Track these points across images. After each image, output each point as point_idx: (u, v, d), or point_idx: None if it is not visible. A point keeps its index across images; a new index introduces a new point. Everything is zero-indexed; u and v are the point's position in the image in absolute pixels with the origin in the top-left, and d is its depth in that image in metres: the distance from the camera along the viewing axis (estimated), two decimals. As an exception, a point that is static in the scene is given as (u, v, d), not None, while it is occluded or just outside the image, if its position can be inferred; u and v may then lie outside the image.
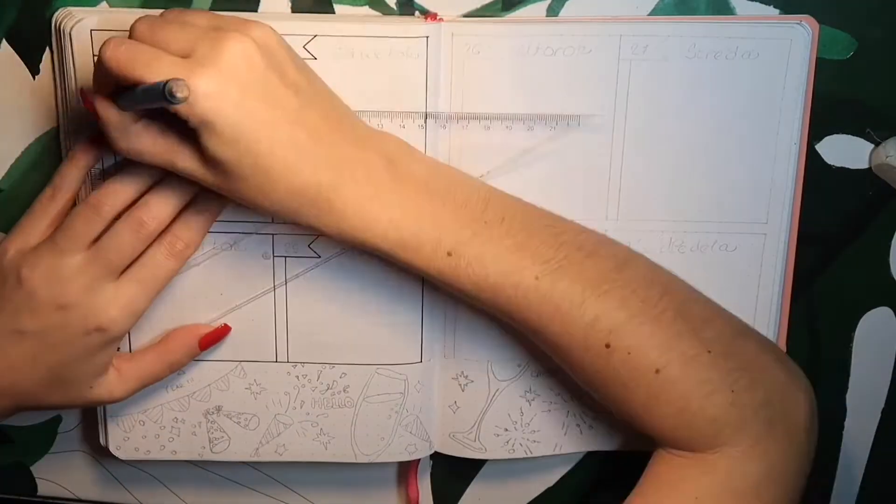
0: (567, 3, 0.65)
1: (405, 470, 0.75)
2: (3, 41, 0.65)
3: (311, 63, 0.62)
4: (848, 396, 0.73)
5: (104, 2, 0.64)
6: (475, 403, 0.71)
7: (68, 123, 0.65)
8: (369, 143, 0.60)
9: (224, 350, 0.69)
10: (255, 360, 0.69)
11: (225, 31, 0.55)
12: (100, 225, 0.62)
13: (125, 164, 0.62)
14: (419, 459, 0.73)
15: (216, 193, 0.60)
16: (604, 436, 0.72)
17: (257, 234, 0.67)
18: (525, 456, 0.72)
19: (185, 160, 0.57)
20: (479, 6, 0.65)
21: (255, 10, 0.65)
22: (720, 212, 0.67)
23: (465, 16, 0.65)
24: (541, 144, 0.65)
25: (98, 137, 0.62)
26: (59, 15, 0.63)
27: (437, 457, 0.72)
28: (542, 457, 0.72)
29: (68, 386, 0.64)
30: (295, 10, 0.65)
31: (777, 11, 0.65)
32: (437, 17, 0.64)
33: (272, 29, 0.57)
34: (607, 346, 0.60)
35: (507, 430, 0.71)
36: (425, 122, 0.65)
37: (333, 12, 0.65)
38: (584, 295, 0.60)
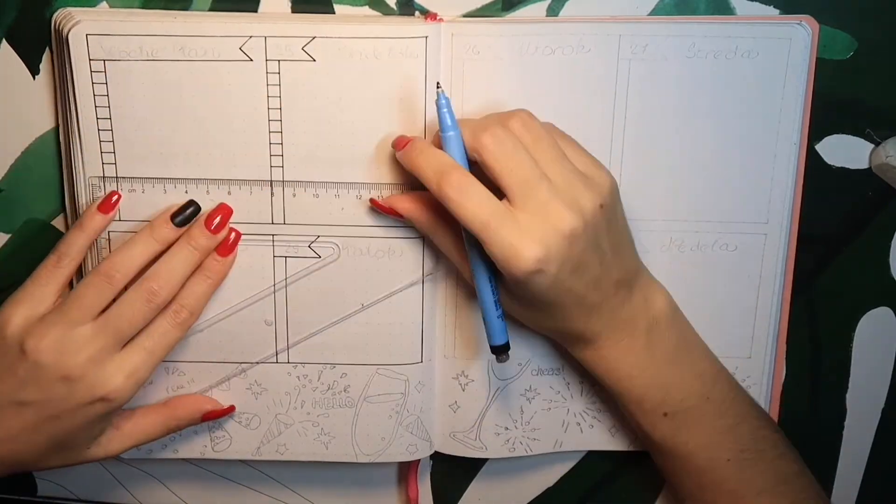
0: (567, 3, 0.65)
1: (405, 470, 0.75)
2: (3, 41, 0.65)
3: (310, 65, 0.62)
4: (848, 396, 0.73)
5: (104, 2, 0.64)
6: (475, 403, 0.71)
7: (68, 124, 0.65)
8: (641, 303, 0.65)
9: (224, 351, 0.69)
10: (256, 362, 0.69)
11: (562, 194, 0.59)
12: (110, 294, 0.62)
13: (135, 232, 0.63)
14: (419, 459, 0.73)
15: (219, 263, 0.64)
16: (604, 435, 0.72)
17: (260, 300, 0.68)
18: (525, 454, 0.72)
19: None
20: (479, 6, 0.65)
21: (255, 10, 0.65)
22: (720, 211, 0.67)
23: (465, 16, 0.65)
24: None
25: (105, 205, 0.64)
26: (59, 16, 0.63)
27: (437, 456, 0.72)
28: (543, 456, 0.72)
29: (67, 451, 0.65)
30: (295, 9, 0.65)
31: (777, 11, 0.65)
32: (437, 18, 0.64)
33: (611, 184, 0.62)
34: None
35: (507, 428, 0.71)
36: None
37: (333, 12, 0.65)
38: (764, 487, 0.65)
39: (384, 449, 0.71)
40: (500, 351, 0.64)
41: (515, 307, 0.64)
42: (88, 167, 0.65)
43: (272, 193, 0.65)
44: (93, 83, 0.63)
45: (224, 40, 0.62)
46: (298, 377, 0.70)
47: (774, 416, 0.72)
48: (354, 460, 0.71)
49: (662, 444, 0.66)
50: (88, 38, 0.62)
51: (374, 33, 0.62)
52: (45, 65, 0.65)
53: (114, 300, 0.63)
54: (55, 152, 0.67)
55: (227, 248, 0.65)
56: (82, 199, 0.66)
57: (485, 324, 0.64)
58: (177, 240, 0.64)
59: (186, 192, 0.65)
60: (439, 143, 0.61)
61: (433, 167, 0.60)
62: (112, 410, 0.63)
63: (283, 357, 0.69)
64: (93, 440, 0.65)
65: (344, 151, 0.64)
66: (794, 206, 0.67)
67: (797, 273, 0.69)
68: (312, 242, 0.66)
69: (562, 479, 0.76)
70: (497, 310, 0.63)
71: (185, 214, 0.64)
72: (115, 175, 0.65)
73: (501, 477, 0.76)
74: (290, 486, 0.76)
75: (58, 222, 0.69)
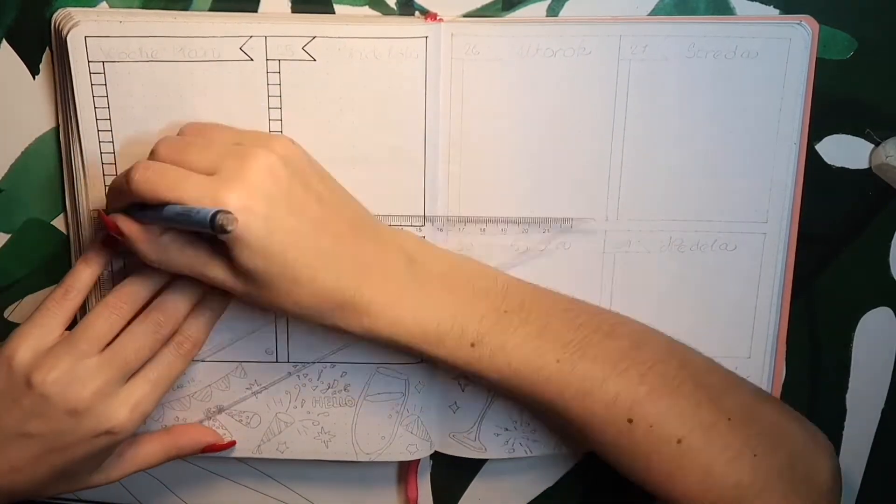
0: (567, 3, 0.65)
1: (405, 469, 0.75)
2: (3, 41, 0.65)
3: (310, 65, 0.63)
4: (848, 396, 0.73)
5: (104, 2, 0.64)
6: (475, 403, 0.71)
7: (68, 124, 0.65)
8: (390, 243, 0.63)
9: (224, 351, 0.69)
10: (256, 361, 0.69)
11: (248, 146, 0.58)
12: (118, 326, 0.63)
13: (139, 264, 0.63)
14: (419, 459, 0.73)
15: (221, 292, 0.62)
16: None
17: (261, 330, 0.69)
18: (525, 455, 0.72)
19: (214, 270, 0.59)
20: (479, 6, 0.65)
21: (255, 10, 0.65)
22: (720, 211, 0.67)
23: (465, 16, 0.65)
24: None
25: (110, 239, 0.63)
26: (58, 16, 0.63)
27: (437, 456, 0.72)
28: (542, 456, 0.72)
29: (68, 480, 0.65)
30: (295, 10, 0.65)
31: (777, 11, 0.65)
32: (437, 18, 0.64)
33: (293, 141, 0.60)
34: (629, 420, 0.62)
35: (507, 429, 0.71)
36: (423, 225, 0.66)
37: (333, 12, 0.65)
38: (604, 374, 0.62)
39: (384, 448, 0.71)
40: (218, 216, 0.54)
41: (254, 289, 0.59)
42: (89, 169, 0.65)
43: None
44: (92, 85, 0.63)
45: (224, 40, 0.62)
46: (298, 376, 0.70)
47: (774, 415, 0.72)
48: (354, 459, 0.72)
49: (486, 376, 0.63)
50: (87, 39, 0.62)
51: (374, 33, 0.62)
52: (45, 65, 0.66)
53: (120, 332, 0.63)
54: (55, 152, 0.67)
55: None
56: (82, 204, 0.66)
57: (181, 221, 0.56)
58: None
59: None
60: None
61: (116, 179, 0.60)
62: (117, 443, 0.63)
63: (283, 356, 0.69)
64: (95, 469, 0.66)
65: (344, 151, 0.64)
66: (794, 205, 0.67)
67: (797, 273, 0.69)
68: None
69: (562, 479, 0.76)
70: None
71: None
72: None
73: (501, 477, 0.76)
74: (290, 486, 0.76)
75: (58, 222, 0.69)
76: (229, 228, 0.54)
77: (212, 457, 0.71)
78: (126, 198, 0.59)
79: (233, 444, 0.71)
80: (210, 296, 0.65)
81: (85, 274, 0.64)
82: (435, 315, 0.62)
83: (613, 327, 0.64)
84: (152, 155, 0.59)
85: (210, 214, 0.53)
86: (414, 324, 0.61)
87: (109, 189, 0.61)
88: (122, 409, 0.62)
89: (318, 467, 0.74)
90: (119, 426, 0.62)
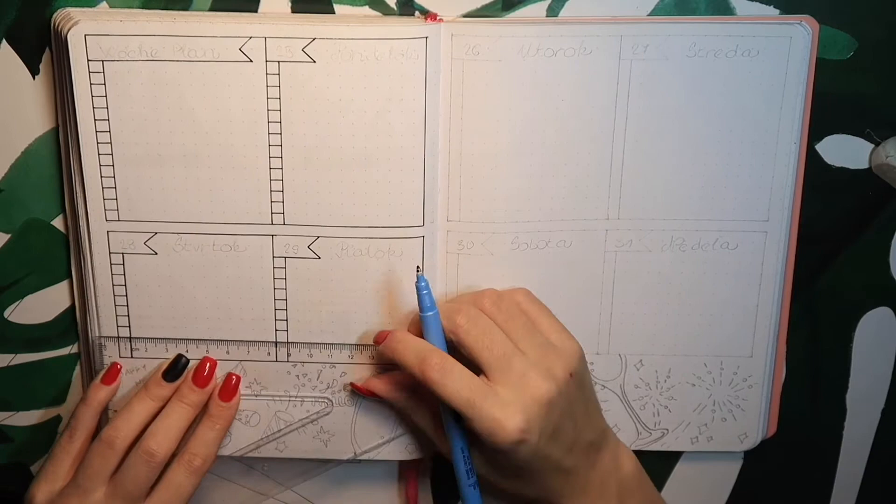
0: (567, 3, 0.65)
1: (405, 469, 0.75)
2: (3, 41, 0.65)
3: (310, 66, 0.63)
4: (848, 396, 0.73)
5: (104, 2, 0.64)
6: (475, 403, 0.71)
7: (68, 123, 0.65)
8: (610, 460, 0.67)
9: (224, 350, 0.69)
10: (256, 360, 0.69)
11: (533, 366, 0.62)
12: (115, 459, 0.66)
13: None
14: (419, 459, 0.73)
15: (224, 408, 0.67)
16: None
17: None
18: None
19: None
20: (479, 6, 0.65)
21: (255, 10, 0.65)
22: (721, 210, 0.67)
23: (465, 16, 0.65)
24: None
25: (109, 377, 0.68)
26: (58, 16, 0.63)
27: (437, 456, 0.72)
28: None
29: None
30: (295, 10, 0.65)
31: (777, 11, 0.65)
32: (437, 18, 0.63)
33: (581, 355, 0.65)
34: None
35: (507, 428, 0.71)
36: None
37: (333, 12, 0.65)
38: None
39: (384, 447, 0.71)
40: None
41: (496, 476, 0.66)
42: (87, 168, 0.65)
43: (271, 193, 0.66)
44: (91, 84, 0.63)
45: (224, 41, 0.62)
46: (298, 376, 0.70)
47: (774, 416, 0.72)
48: (354, 458, 0.72)
49: None
50: (87, 38, 0.62)
51: (374, 34, 0.62)
52: (45, 65, 0.65)
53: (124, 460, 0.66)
54: (55, 152, 0.67)
55: (228, 392, 0.68)
56: (81, 209, 0.66)
57: (460, 492, 0.66)
58: (173, 394, 0.67)
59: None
60: (417, 327, 0.65)
61: (414, 353, 0.63)
62: None
63: (282, 356, 0.69)
64: None
65: (344, 153, 0.64)
66: (795, 205, 0.67)
67: (797, 273, 0.69)
68: (312, 243, 0.66)
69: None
70: (470, 478, 0.65)
71: (176, 370, 0.68)
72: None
73: (501, 477, 0.76)
74: (289, 486, 0.76)
75: (58, 222, 0.69)
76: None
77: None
78: (409, 381, 0.66)
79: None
80: (213, 411, 0.68)
81: (86, 415, 0.68)
82: None
83: None
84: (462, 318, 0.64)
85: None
86: None
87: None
88: None
89: (318, 465, 0.74)
90: None
